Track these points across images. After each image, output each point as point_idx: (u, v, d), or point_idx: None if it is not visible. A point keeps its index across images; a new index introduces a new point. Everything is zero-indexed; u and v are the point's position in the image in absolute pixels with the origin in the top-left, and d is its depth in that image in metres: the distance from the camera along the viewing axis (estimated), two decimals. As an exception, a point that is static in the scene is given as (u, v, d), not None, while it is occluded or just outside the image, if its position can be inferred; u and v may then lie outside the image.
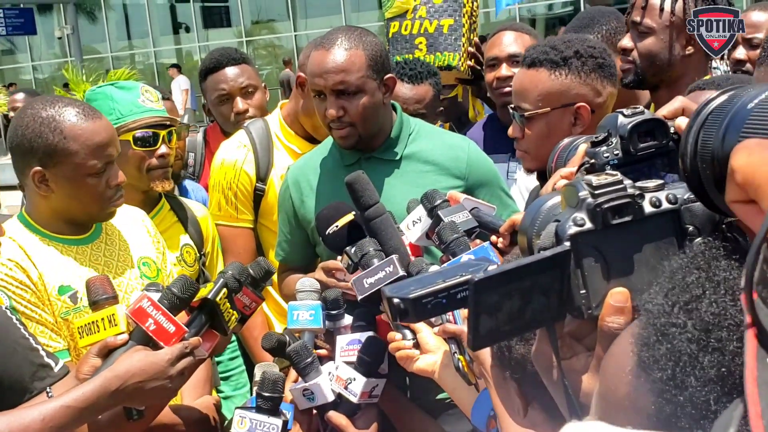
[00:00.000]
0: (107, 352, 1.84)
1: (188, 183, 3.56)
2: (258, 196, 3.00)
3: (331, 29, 2.59)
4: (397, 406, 2.20)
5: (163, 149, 2.73)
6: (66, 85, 4.72)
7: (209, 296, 1.91)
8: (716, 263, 0.71)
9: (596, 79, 2.16)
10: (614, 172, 0.91)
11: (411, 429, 2.19)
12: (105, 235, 2.32)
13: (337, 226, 2.14)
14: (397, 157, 2.55)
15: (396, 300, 0.93)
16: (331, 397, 2.03)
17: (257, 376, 2.03)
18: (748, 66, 3.24)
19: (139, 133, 2.69)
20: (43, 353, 1.91)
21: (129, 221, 2.42)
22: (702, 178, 0.78)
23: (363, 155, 2.54)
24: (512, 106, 2.23)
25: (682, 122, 1.08)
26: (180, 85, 20.17)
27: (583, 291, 0.88)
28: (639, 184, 0.91)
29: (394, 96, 2.90)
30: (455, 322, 1.76)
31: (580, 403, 0.90)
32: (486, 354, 1.52)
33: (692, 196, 0.87)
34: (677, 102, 1.06)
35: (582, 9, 23.20)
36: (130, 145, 2.67)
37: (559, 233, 0.88)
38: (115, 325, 1.85)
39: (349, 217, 2.13)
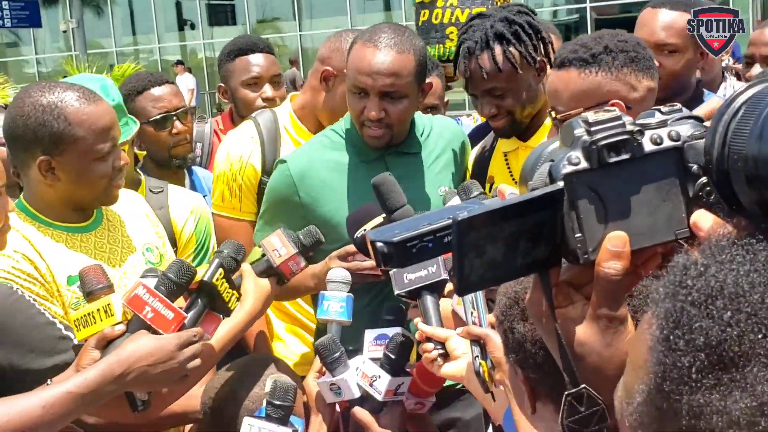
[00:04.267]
0: (105, 344, 1.78)
1: (199, 170, 3.52)
2: (263, 190, 2.91)
3: (377, 24, 2.55)
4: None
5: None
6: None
7: (205, 279, 1.85)
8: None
9: (629, 74, 2.10)
10: (612, 108, 0.86)
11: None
12: (107, 221, 2.28)
13: (365, 230, 2.10)
14: (418, 150, 2.57)
15: (380, 244, 0.88)
16: (357, 393, 1.99)
17: (268, 387, 1.99)
18: None
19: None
20: (60, 326, 1.87)
21: (128, 206, 2.37)
22: (731, 173, 0.74)
23: (386, 150, 2.53)
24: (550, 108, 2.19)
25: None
26: (187, 84, 20.12)
27: (578, 234, 0.83)
28: (640, 120, 0.85)
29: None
30: (480, 325, 1.71)
31: (573, 353, 0.87)
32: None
33: (697, 132, 0.83)
34: (713, 102, 1.04)
35: (587, 17, 23.17)
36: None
37: (553, 173, 0.84)
38: (111, 315, 1.79)
39: (379, 219, 2.10)
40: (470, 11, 3.40)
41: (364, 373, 1.97)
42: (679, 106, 0.88)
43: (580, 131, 0.84)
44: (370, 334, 2.09)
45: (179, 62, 23.52)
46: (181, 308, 1.82)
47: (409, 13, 24.53)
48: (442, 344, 1.88)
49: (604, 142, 0.82)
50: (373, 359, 2.01)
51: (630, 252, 0.83)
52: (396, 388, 1.98)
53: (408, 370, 2.02)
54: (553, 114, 2.16)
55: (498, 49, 2.55)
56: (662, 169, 0.84)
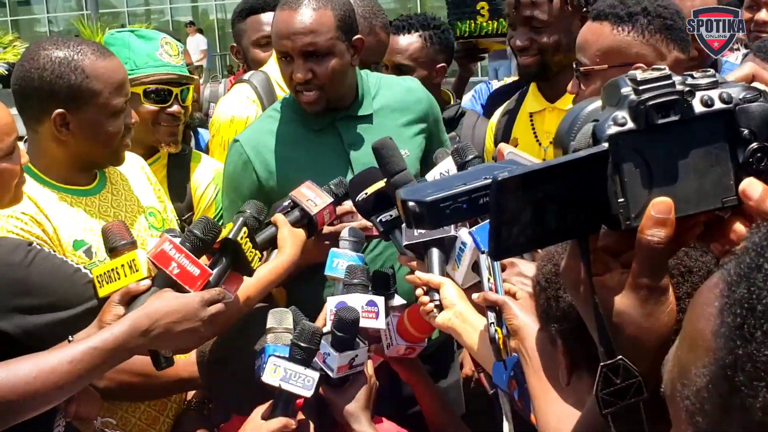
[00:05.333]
0: (130, 299, 1.76)
1: (205, 132, 3.46)
2: None
3: None
4: (413, 373, 2.19)
5: (174, 107, 2.65)
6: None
7: (230, 236, 1.83)
8: None
9: (661, 41, 2.05)
10: (662, 66, 0.82)
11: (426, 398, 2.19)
12: (110, 185, 2.25)
13: (366, 193, 2.10)
14: (370, 112, 2.50)
15: (411, 203, 0.84)
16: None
17: (270, 322, 1.97)
18: None
19: (150, 88, 2.62)
20: (86, 271, 1.86)
21: (131, 169, 2.35)
22: None
23: (336, 116, 2.48)
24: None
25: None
26: (198, 44, 20.02)
27: (621, 199, 0.80)
28: (689, 81, 0.81)
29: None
30: (496, 291, 1.70)
31: (611, 323, 0.84)
32: (528, 329, 1.48)
33: (749, 95, 0.80)
34: (747, 68, 1.01)
35: None
36: (139, 98, 2.59)
37: (597, 133, 0.80)
38: (137, 270, 1.77)
39: (380, 184, 2.09)
40: None
41: (318, 351, 1.92)
42: (712, 71, 0.84)
43: (627, 90, 0.81)
44: (331, 302, 2.03)
45: (191, 23, 23.38)
46: (206, 265, 1.81)
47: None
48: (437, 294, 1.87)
49: (652, 102, 0.79)
50: (327, 333, 1.95)
51: (674, 219, 0.80)
52: (349, 362, 1.94)
53: (359, 340, 1.96)
54: (576, 66, 2.12)
55: None
56: (712, 133, 0.80)
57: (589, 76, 2.07)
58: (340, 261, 2.10)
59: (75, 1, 30.78)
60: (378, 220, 2.07)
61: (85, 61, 2.03)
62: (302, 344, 1.86)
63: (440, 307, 1.85)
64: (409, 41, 3.24)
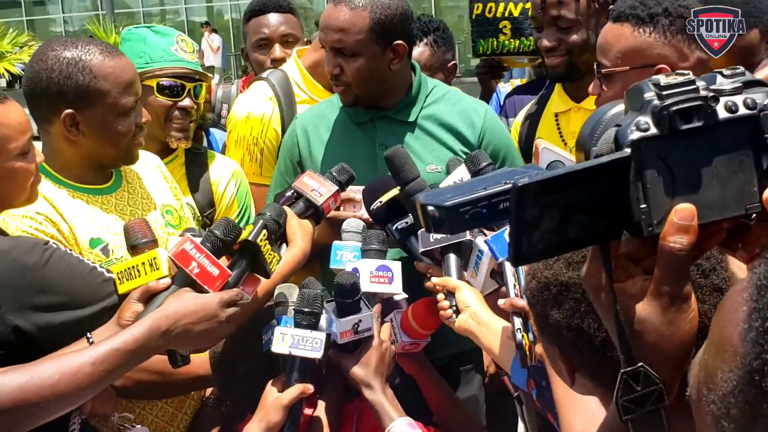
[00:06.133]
0: (149, 297, 1.77)
1: (216, 132, 3.47)
2: None
3: None
4: (418, 366, 2.19)
5: (186, 102, 2.66)
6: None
7: (250, 238, 1.83)
8: None
9: (683, 42, 2.05)
10: (686, 71, 0.81)
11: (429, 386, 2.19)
12: (126, 183, 2.26)
13: (381, 201, 2.10)
14: (412, 119, 2.50)
15: (431, 207, 0.84)
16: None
17: (278, 297, 1.97)
18: None
19: (164, 82, 2.63)
20: (102, 270, 1.87)
21: (147, 168, 2.35)
22: None
23: (376, 114, 2.50)
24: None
25: None
26: (214, 42, 20.07)
27: (643, 205, 0.79)
28: (713, 86, 0.80)
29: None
30: (522, 298, 1.69)
31: (632, 330, 0.83)
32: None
33: None
34: None
35: None
36: (153, 91, 2.61)
37: (620, 138, 0.79)
38: (157, 269, 1.77)
39: (395, 191, 2.09)
40: (523, 5, 3.40)
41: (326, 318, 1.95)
42: (741, 69, 0.83)
43: (650, 95, 0.80)
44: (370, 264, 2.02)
45: (206, 23, 23.46)
46: (226, 266, 1.81)
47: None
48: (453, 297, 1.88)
49: (676, 108, 0.78)
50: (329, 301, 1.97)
51: (697, 226, 0.79)
52: (353, 327, 1.93)
53: (364, 304, 1.95)
54: (597, 68, 2.12)
55: None
56: (736, 139, 0.80)
57: (610, 78, 2.06)
58: (344, 253, 2.09)
59: (90, 1, 30.92)
60: (394, 228, 2.07)
61: (93, 61, 2.04)
62: (305, 309, 1.89)
63: (458, 311, 1.85)
64: (419, 52, 3.27)
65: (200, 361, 2.09)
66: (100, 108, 2.06)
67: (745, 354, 0.62)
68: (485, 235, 1.94)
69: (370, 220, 2.19)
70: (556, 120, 2.71)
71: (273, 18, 3.48)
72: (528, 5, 3.35)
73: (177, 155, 2.79)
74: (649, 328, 0.83)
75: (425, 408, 2.16)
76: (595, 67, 2.11)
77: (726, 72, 0.83)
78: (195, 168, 2.81)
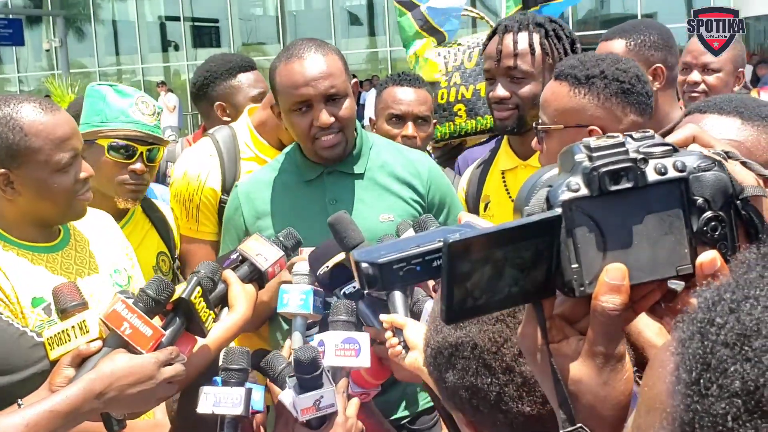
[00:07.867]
0: (80, 361, 1.72)
1: (155, 186, 3.41)
2: (222, 208, 2.82)
3: (289, 44, 2.52)
4: (367, 417, 2.14)
5: (137, 165, 2.63)
6: (48, 98, 4.67)
7: (184, 296, 1.78)
8: None
9: (617, 105, 2.07)
10: (616, 134, 0.83)
11: None
12: (74, 241, 2.22)
13: (327, 266, 2.06)
14: (360, 171, 2.49)
15: (364, 264, 0.85)
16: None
17: (221, 362, 1.93)
18: (703, 86, 3.26)
19: (116, 142, 2.61)
20: (32, 334, 1.82)
21: (96, 226, 2.31)
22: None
23: (326, 169, 2.47)
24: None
25: (694, 149, 1.01)
26: (170, 101, 20.15)
27: (575, 265, 0.80)
28: (644, 149, 0.82)
29: (397, 101, 3.05)
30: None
31: (568, 391, 0.83)
32: None
33: (703, 164, 0.80)
34: (688, 130, 1.01)
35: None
36: (103, 151, 2.59)
37: (550, 198, 0.80)
38: (87, 332, 1.74)
39: (341, 256, 2.06)
40: (474, 87, 3.46)
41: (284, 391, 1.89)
42: (651, 132, 0.85)
43: (581, 156, 0.81)
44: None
45: (162, 83, 23.53)
46: (160, 325, 1.77)
47: (393, 39, 24.69)
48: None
49: (605, 169, 0.79)
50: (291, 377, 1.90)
51: (629, 286, 0.79)
52: (314, 404, 1.85)
53: (326, 379, 1.88)
54: (536, 125, 2.14)
55: (536, 35, 2.59)
56: (666, 200, 0.81)
57: (548, 134, 2.09)
58: (291, 295, 2.04)
59: (46, 60, 30.87)
60: (341, 293, 2.04)
61: (24, 119, 2.00)
62: (232, 366, 1.83)
63: (407, 348, 1.82)
64: (423, 94, 3.28)
65: (142, 427, 2.02)
66: (33, 165, 2.02)
67: (674, 408, 0.61)
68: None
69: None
70: (503, 177, 2.73)
71: (244, 77, 3.51)
72: (479, 86, 3.41)
73: (134, 210, 2.77)
74: (584, 389, 0.83)
75: None
76: (534, 123, 2.14)
77: (636, 135, 0.84)
78: (153, 212, 2.82)
